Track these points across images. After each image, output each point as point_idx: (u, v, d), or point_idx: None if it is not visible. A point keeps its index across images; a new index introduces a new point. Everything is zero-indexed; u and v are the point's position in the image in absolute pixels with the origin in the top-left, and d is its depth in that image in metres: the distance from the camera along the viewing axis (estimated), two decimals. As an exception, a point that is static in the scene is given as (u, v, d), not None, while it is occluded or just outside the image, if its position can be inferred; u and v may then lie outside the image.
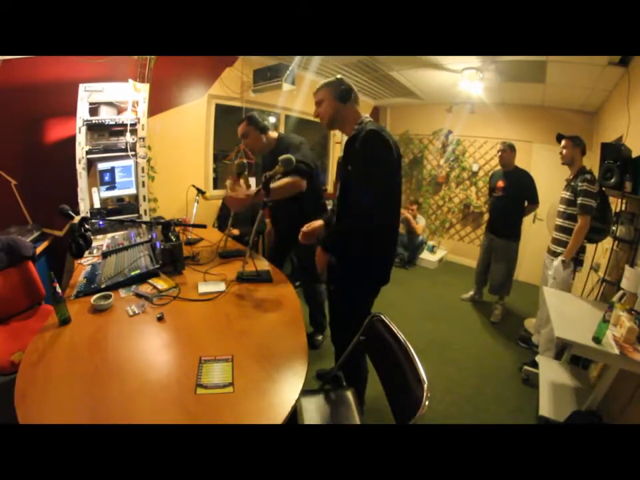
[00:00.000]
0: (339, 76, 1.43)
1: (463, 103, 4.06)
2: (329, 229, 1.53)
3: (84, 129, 2.06)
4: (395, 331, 1.07)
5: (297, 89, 3.19)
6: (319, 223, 1.57)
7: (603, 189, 2.12)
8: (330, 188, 4.61)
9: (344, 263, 1.42)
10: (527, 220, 3.24)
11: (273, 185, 1.54)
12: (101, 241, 1.90)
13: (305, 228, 1.56)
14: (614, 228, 2.04)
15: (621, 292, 1.70)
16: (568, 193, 2.25)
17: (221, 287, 1.44)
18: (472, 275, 3.45)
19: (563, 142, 2.32)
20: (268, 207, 1.57)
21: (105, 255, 1.66)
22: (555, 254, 2.32)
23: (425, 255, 4.49)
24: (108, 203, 2.34)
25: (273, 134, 1.98)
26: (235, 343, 1.06)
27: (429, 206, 4.97)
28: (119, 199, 2.38)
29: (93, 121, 2.11)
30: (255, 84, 3.23)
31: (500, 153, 2.88)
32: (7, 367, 1.31)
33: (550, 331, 2.01)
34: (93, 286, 1.34)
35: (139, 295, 1.32)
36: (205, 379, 0.88)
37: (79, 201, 2.08)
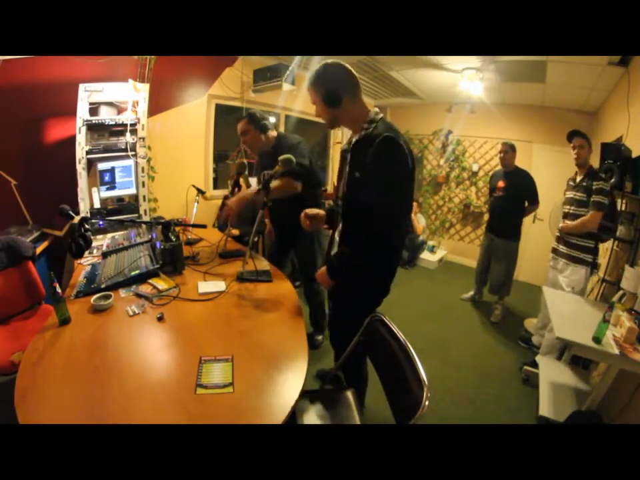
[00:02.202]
0: (330, 61, 1.20)
1: (462, 103, 4.06)
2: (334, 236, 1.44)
3: (84, 129, 2.06)
4: (395, 331, 1.07)
5: (297, 89, 3.19)
6: (322, 212, 1.46)
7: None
8: (330, 188, 4.61)
9: (352, 276, 1.31)
10: (527, 220, 3.24)
11: (271, 186, 1.53)
12: (101, 241, 1.90)
13: (308, 210, 1.42)
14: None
15: (620, 292, 1.70)
16: (579, 194, 2.13)
17: (221, 286, 1.44)
18: (472, 275, 3.45)
19: (578, 140, 2.16)
20: (267, 207, 1.57)
21: (104, 255, 1.66)
22: (571, 258, 2.19)
23: (425, 254, 4.49)
24: (108, 203, 2.34)
25: (272, 133, 1.97)
26: (235, 343, 1.06)
27: (429, 206, 4.97)
28: (119, 199, 2.38)
29: (93, 121, 2.11)
30: (255, 84, 3.23)
31: (502, 155, 2.87)
32: (7, 367, 1.31)
33: (552, 336, 1.95)
34: (93, 286, 1.34)
35: (139, 295, 1.32)
36: (204, 379, 0.88)
37: (79, 200, 2.08)
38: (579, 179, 2.20)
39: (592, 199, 2.04)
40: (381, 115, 1.23)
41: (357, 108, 1.23)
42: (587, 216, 2.06)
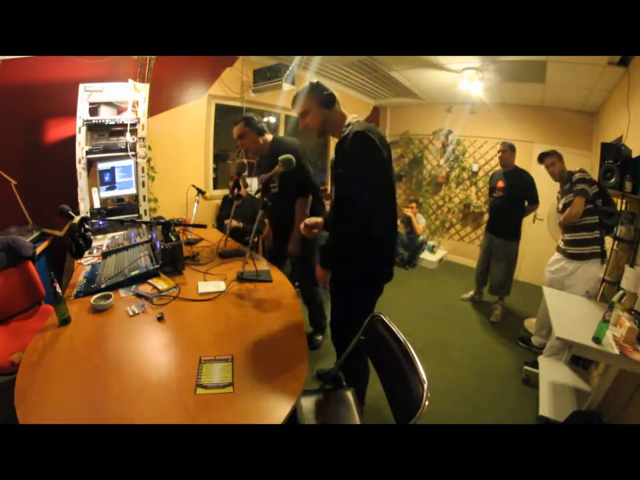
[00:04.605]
0: (314, 81, 1.38)
1: (462, 103, 4.06)
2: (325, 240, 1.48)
3: (84, 129, 2.06)
4: (395, 331, 1.07)
5: (297, 89, 3.19)
6: (320, 219, 1.51)
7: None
8: (329, 188, 4.61)
9: (343, 265, 1.38)
10: (526, 220, 3.24)
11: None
12: (101, 241, 1.90)
13: (307, 220, 1.50)
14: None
15: (620, 292, 1.70)
16: (570, 197, 2.20)
17: (221, 286, 1.44)
18: (472, 275, 3.45)
19: (548, 160, 2.34)
20: (267, 208, 1.58)
21: (104, 255, 1.66)
22: (579, 257, 2.20)
23: (425, 255, 4.49)
24: (108, 203, 2.34)
25: (268, 136, 1.99)
26: (234, 343, 1.06)
27: (429, 206, 4.96)
28: (119, 199, 2.38)
29: (93, 121, 2.11)
30: (254, 84, 3.23)
31: (500, 153, 2.87)
32: (7, 367, 1.30)
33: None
34: (93, 286, 1.34)
35: (138, 295, 1.32)
36: (205, 379, 0.88)
37: (79, 200, 2.08)
38: (563, 186, 2.33)
39: (573, 189, 2.16)
40: (357, 119, 1.36)
41: (341, 114, 1.38)
42: (571, 206, 2.16)
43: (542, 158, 2.40)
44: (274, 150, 1.87)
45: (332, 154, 1.43)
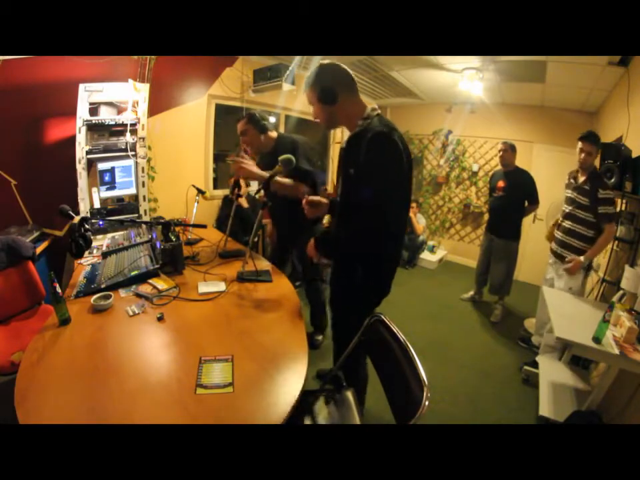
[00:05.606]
0: (325, 62, 1.21)
1: (462, 103, 4.06)
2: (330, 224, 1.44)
3: (84, 129, 2.06)
4: (395, 331, 1.07)
5: (297, 89, 3.19)
6: (325, 200, 1.41)
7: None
8: (330, 188, 4.61)
9: (348, 276, 1.33)
10: (527, 220, 3.24)
11: (279, 179, 1.55)
12: (101, 241, 1.90)
13: (310, 197, 1.37)
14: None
15: (620, 292, 1.70)
16: (580, 197, 2.08)
17: (221, 286, 1.44)
18: (472, 274, 3.45)
19: (588, 146, 2.05)
20: (267, 207, 1.58)
21: (105, 255, 1.66)
22: (564, 259, 2.17)
23: (425, 254, 4.49)
24: (108, 203, 2.34)
25: (272, 134, 1.98)
26: (235, 343, 1.07)
27: (429, 206, 4.96)
28: (119, 199, 2.38)
29: (93, 121, 2.11)
30: (254, 84, 3.23)
31: (501, 153, 2.87)
32: (7, 367, 1.31)
33: (551, 335, 1.85)
34: (93, 286, 1.34)
35: (139, 295, 1.32)
36: (205, 379, 0.88)
37: (79, 201, 2.08)
38: (581, 179, 2.13)
39: (600, 211, 1.97)
40: (378, 112, 1.21)
41: (353, 105, 1.22)
42: (604, 233, 1.99)
43: (585, 138, 2.08)
44: (277, 148, 1.87)
45: (332, 153, 1.38)
